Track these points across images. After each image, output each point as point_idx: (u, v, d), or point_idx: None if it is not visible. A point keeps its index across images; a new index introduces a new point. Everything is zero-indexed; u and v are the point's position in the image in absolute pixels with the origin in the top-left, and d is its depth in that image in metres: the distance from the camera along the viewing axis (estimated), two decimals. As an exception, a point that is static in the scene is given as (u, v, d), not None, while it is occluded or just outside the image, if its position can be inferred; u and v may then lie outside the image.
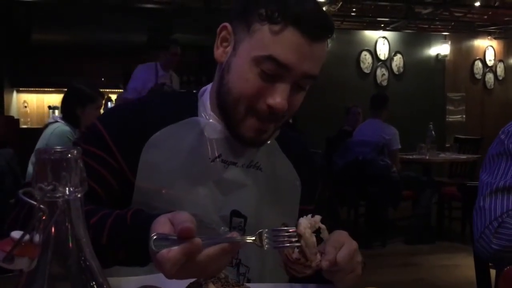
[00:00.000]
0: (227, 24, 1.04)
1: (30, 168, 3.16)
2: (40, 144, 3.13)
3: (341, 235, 0.92)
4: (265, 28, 0.96)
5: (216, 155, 1.04)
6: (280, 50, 0.95)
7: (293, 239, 0.84)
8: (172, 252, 0.70)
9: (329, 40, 1.02)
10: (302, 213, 0.94)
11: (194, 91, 1.14)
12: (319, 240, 0.87)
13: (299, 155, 1.19)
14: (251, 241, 0.81)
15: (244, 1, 1.02)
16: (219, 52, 1.05)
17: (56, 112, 6.67)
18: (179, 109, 1.08)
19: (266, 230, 0.82)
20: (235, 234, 0.77)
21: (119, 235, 0.82)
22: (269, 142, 1.11)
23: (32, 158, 3.12)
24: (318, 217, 0.85)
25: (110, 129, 1.02)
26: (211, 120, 1.06)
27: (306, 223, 0.84)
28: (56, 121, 3.26)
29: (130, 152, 1.01)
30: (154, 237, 0.71)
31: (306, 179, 1.18)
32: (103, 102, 3.64)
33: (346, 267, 0.88)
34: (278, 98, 0.97)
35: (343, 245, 0.89)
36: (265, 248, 0.81)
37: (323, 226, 0.86)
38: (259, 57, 0.96)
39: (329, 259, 0.85)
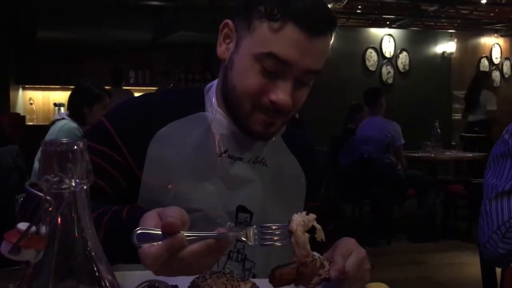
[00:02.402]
0: (229, 21, 1.03)
1: (36, 165, 3.17)
2: (47, 140, 3.14)
3: (349, 243, 0.90)
4: (264, 25, 0.96)
5: (223, 150, 1.04)
6: (280, 47, 0.95)
7: (283, 236, 0.79)
8: (154, 247, 0.69)
9: (333, 34, 1.01)
10: (307, 210, 0.93)
11: (201, 87, 1.14)
12: (313, 241, 0.81)
13: (304, 152, 1.19)
14: (238, 237, 0.78)
15: None
16: (222, 49, 1.05)
17: (62, 109, 6.69)
18: (186, 104, 1.08)
19: (255, 226, 0.79)
20: (222, 230, 0.74)
21: (114, 233, 0.81)
22: (274, 138, 1.11)
23: (38, 155, 3.13)
24: (312, 216, 0.80)
25: (117, 125, 1.02)
26: (217, 116, 1.06)
27: (300, 220, 0.79)
28: (63, 118, 3.27)
29: (137, 148, 1.01)
30: (138, 232, 0.70)
31: (311, 176, 1.17)
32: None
33: (354, 275, 0.86)
34: (281, 94, 0.97)
35: (351, 253, 0.87)
36: (252, 244, 0.78)
37: (318, 226, 0.81)
38: (259, 54, 0.96)
39: (338, 269, 0.83)
